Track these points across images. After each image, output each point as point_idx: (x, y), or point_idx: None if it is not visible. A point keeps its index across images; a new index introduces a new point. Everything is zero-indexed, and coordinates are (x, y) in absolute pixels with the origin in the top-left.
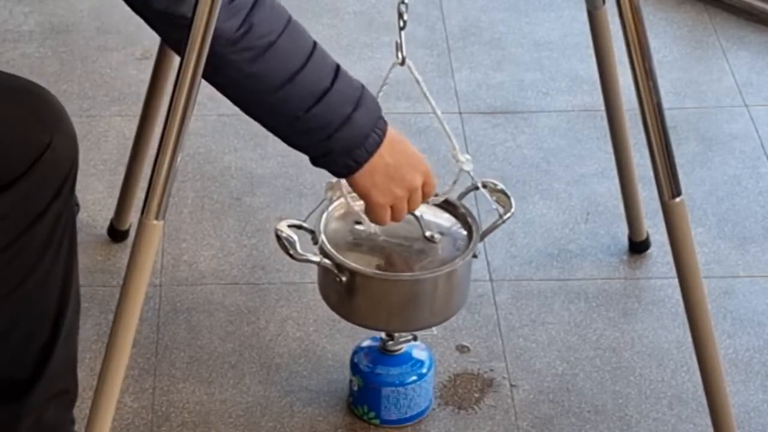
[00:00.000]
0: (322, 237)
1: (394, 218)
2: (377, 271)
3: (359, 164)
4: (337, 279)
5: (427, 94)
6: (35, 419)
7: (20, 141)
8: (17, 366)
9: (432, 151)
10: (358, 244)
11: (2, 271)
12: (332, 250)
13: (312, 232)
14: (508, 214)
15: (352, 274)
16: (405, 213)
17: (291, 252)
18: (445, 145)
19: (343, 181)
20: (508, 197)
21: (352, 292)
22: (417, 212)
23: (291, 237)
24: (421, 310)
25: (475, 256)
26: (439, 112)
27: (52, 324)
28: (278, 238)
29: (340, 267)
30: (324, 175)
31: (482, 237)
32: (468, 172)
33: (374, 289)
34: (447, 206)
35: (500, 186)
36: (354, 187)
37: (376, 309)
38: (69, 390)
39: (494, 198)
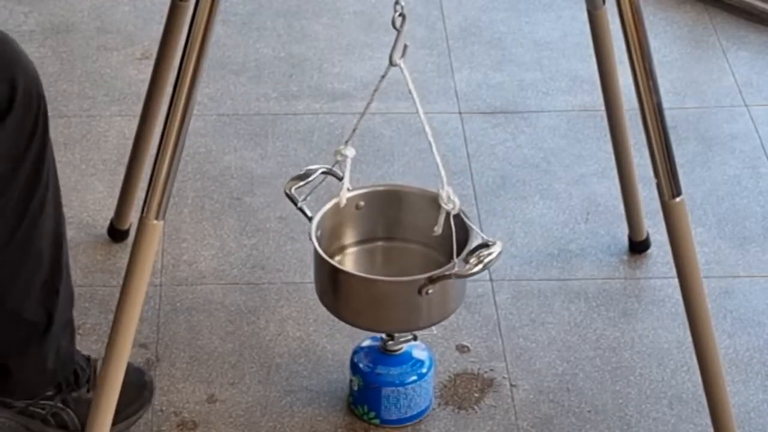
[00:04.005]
0: (319, 218)
1: None
2: (335, 263)
3: None
4: (314, 253)
5: (419, 106)
6: (56, 352)
7: None
8: (32, 308)
9: (431, 151)
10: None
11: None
12: (315, 226)
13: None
14: (456, 268)
15: (318, 255)
16: None
17: (288, 187)
18: (444, 144)
19: (350, 152)
20: (482, 260)
21: (319, 271)
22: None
23: (305, 174)
24: (368, 311)
25: (420, 293)
26: (429, 134)
27: (51, 260)
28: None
29: (311, 238)
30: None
31: (433, 278)
32: (448, 212)
33: (331, 274)
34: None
35: (492, 254)
36: None
37: (336, 296)
38: (72, 320)
39: (478, 252)
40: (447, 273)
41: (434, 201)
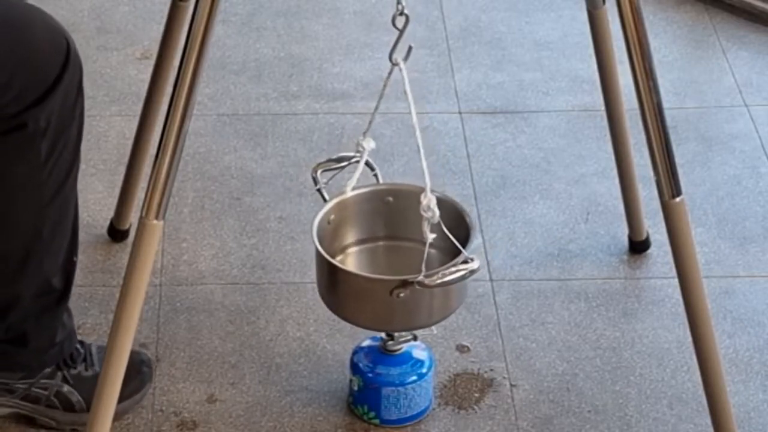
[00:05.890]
0: (325, 212)
1: None
2: (328, 256)
3: None
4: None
5: (413, 108)
6: (63, 325)
7: (51, 49)
8: (58, 274)
9: (431, 151)
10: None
11: (50, 174)
12: (327, 209)
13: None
14: (421, 277)
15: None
16: None
17: (316, 170)
18: (444, 144)
19: (369, 144)
20: (446, 276)
21: (318, 265)
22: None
23: (337, 159)
24: (346, 303)
25: (392, 294)
26: (419, 137)
27: (74, 226)
28: (341, 159)
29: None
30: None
31: (404, 283)
32: (428, 220)
33: (327, 269)
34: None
35: (461, 270)
36: None
37: (330, 290)
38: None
39: (458, 265)
40: (411, 280)
41: (448, 205)
